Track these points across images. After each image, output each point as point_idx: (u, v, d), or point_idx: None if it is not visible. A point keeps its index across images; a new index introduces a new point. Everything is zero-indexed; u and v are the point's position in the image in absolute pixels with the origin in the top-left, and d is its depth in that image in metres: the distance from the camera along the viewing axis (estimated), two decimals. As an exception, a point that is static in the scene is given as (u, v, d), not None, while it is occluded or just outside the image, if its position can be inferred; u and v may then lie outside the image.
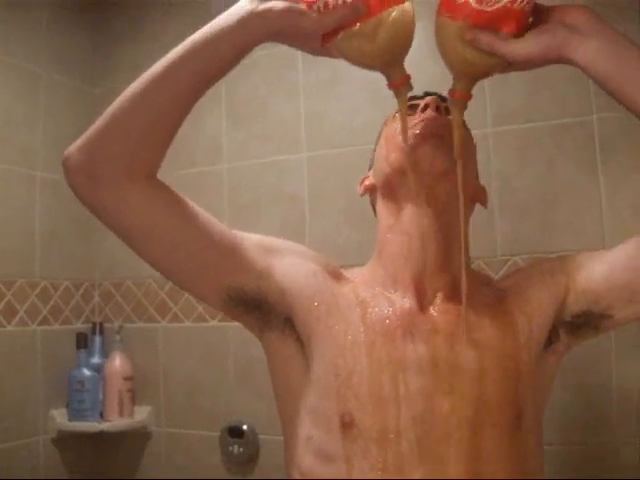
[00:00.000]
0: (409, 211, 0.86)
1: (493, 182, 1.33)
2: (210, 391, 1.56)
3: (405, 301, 0.84)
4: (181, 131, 1.59)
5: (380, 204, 0.92)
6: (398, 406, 0.78)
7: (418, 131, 0.85)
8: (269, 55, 1.57)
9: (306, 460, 0.83)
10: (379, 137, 0.94)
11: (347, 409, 0.78)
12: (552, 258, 0.93)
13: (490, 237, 1.35)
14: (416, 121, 0.86)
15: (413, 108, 0.89)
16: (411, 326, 0.82)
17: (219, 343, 1.56)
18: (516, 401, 0.82)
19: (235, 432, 1.50)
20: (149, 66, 0.73)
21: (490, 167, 1.34)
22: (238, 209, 1.57)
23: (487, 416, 0.81)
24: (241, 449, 1.50)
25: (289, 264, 0.86)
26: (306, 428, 0.82)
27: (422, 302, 0.85)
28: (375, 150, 0.94)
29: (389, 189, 0.89)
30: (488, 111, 1.37)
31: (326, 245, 1.47)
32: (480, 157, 0.95)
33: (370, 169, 0.96)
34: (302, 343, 0.84)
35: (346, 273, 0.91)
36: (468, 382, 0.81)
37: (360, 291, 0.86)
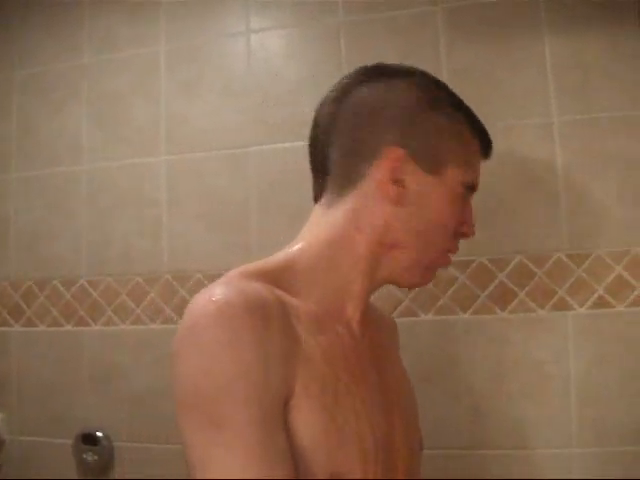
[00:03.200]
0: (380, 272, 0.85)
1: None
2: (64, 397, 1.52)
3: (343, 330, 0.82)
4: (40, 129, 1.55)
5: (375, 230, 0.82)
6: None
7: (441, 262, 0.88)
8: (132, 55, 1.54)
9: None
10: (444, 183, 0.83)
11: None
12: None
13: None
14: (456, 248, 0.90)
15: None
16: (356, 359, 0.81)
17: (74, 348, 1.52)
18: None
19: (89, 439, 1.47)
20: None
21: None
22: (96, 211, 1.53)
23: (414, 442, 0.86)
24: (95, 457, 1.47)
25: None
26: None
27: (351, 331, 0.83)
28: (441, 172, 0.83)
29: (399, 249, 0.83)
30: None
31: (183, 249, 1.46)
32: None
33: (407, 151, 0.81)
34: None
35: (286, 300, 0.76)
36: (401, 410, 0.86)
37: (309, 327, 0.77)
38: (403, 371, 0.95)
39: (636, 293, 1.28)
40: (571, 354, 1.29)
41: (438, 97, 0.85)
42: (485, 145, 0.89)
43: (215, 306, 0.67)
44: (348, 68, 1.36)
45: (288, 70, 1.45)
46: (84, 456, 1.47)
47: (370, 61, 1.26)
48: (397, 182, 0.81)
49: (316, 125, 0.87)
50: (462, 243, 1.28)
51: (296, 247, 0.83)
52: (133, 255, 1.49)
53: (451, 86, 0.89)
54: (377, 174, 0.81)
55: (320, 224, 0.84)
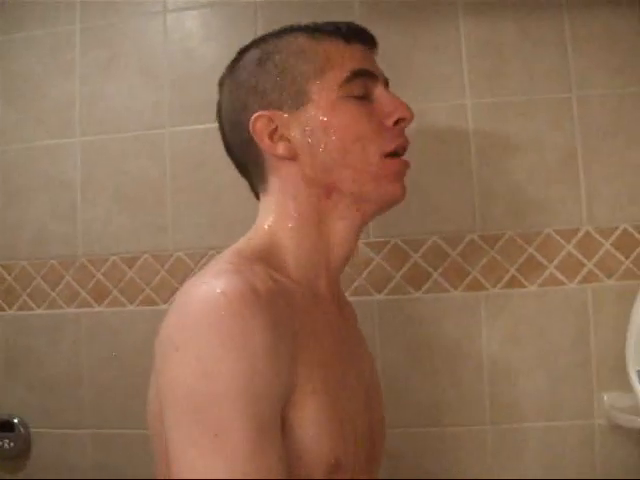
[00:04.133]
0: (345, 221, 0.82)
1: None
2: (-23, 384, 1.49)
3: (327, 309, 0.82)
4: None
5: (299, 186, 0.80)
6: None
7: (392, 168, 0.81)
8: (46, 33, 1.50)
9: None
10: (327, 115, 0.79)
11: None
12: None
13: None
14: (396, 144, 0.82)
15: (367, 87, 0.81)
16: (341, 339, 0.80)
17: (-13, 334, 1.49)
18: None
19: (5, 426, 1.44)
20: None
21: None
22: (8, 194, 1.49)
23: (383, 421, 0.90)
24: (12, 444, 1.44)
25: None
26: None
27: (333, 309, 0.83)
28: (313, 116, 0.79)
29: (331, 190, 0.80)
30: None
31: (99, 232, 1.43)
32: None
33: (279, 111, 0.80)
34: None
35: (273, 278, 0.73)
36: (374, 389, 0.89)
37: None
38: (367, 350, 0.95)
39: (547, 273, 1.30)
40: (484, 333, 1.31)
41: (274, 43, 0.83)
42: (344, 31, 0.82)
43: (222, 301, 0.62)
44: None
45: (205, 50, 1.43)
46: (0, 443, 1.45)
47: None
48: (280, 140, 0.79)
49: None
50: (377, 225, 1.31)
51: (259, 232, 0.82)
52: (48, 238, 1.46)
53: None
54: (262, 147, 0.81)
55: (263, 213, 0.84)
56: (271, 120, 0.79)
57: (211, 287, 0.64)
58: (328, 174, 0.79)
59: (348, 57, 0.80)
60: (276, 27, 0.78)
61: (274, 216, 0.81)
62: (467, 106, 1.34)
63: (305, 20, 0.85)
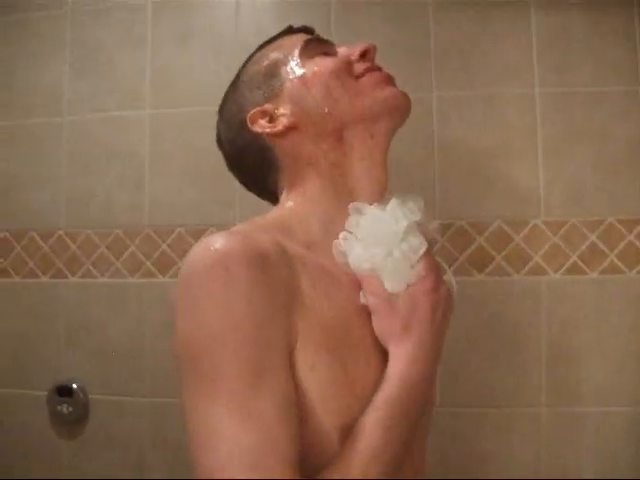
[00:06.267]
0: (365, 161, 0.85)
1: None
2: (38, 349, 1.51)
3: (351, 280, 0.80)
4: (18, 79, 1.52)
5: (310, 149, 0.85)
6: None
7: (377, 76, 0.86)
8: (118, 5, 1.52)
9: None
10: (301, 75, 0.85)
11: None
12: None
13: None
14: (363, 69, 0.86)
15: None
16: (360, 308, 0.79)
17: (50, 300, 1.50)
18: None
19: (64, 391, 1.46)
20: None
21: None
22: (77, 164, 1.51)
23: None
24: (70, 408, 1.46)
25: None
26: None
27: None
28: (292, 86, 0.86)
29: (338, 133, 0.84)
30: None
31: (165, 203, 1.45)
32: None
33: (269, 102, 0.87)
34: None
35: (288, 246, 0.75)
36: None
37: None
38: None
39: (608, 261, 1.32)
40: (544, 318, 1.33)
41: (250, 60, 0.95)
42: (295, 28, 0.94)
43: (212, 256, 0.66)
44: (336, 30, 1.39)
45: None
46: (59, 408, 1.47)
47: (354, 25, 1.29)
48: (278, 119, 0.85)
49: None
50: (442, 208, 1.33)
51: (287, 205, 0.86)
52: (114, 208, 1.48)
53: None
54: (265, 135, 0.86)
55: (285, 196, 0.88)
56: (264, 111, 0.86)
57: (206, 244, 0.68)
58: (328, 118, 0.83)
59: (301, 38, 0.90)
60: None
61: (295, 191, 0.86)
62: (535, 95, 1.36)
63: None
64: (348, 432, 0.69)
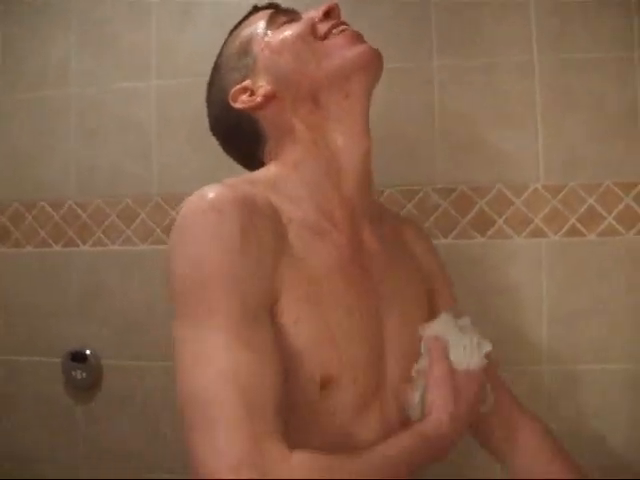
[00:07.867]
0: (344, 124, 0.86)
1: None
2: (53, 317, 1.54)
3: (341, 237, 0.85)
4: (26, 53, 1.54)
5: (290, 115, 0.87)
6: None
7: (344, 36, 0.87)
8: (122, -21, 1.54)
9: None
10: (269, 43, 0.89)
11: None
12: None
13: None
14: (328, 27, 0.88)
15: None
16: (352, 265, 0.83)
17: (62, 268, 1.54)
18: None
19: (78, 357, 1.50)
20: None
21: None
22: (85, 135, 1.54)
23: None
24: (84, 374, 1.50)
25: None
26: None
27: (355, 236, 0.87)
28: (263, 57, 0.89)
29: (313, 97, 0.86)
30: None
31: (173, 172, 1.48)
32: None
33: (247, 79, 0.91)
34: None
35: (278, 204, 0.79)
36: (400, 316, 0.90)
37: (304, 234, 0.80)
38: (410, 276, 0.97)
39: (606, 223, 1.36)
40: (544, 278, 1.37)
41: (224, 47, 1.00)
42: (261, 5, 0.99)
43: (204, 201, 0.70)
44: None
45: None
46: (73, 373, 1.50)
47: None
48: (257, 91, 0.89)
49: None
50: (444, 172, 1.37)
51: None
52: (123, 177, 1.51)
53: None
54: (248, 108, 0.90)
55: (269, 161, 0.92)
56: (244, 88, 0.90)
57: (200, 193, 0.72)
58: (301, 81, 0.85)
59: (267, 13, 0.94)
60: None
61: (281, 158, 0.88)
62: (534, 62, 1.39)
63: None
64: (328, 382, 0.74)
